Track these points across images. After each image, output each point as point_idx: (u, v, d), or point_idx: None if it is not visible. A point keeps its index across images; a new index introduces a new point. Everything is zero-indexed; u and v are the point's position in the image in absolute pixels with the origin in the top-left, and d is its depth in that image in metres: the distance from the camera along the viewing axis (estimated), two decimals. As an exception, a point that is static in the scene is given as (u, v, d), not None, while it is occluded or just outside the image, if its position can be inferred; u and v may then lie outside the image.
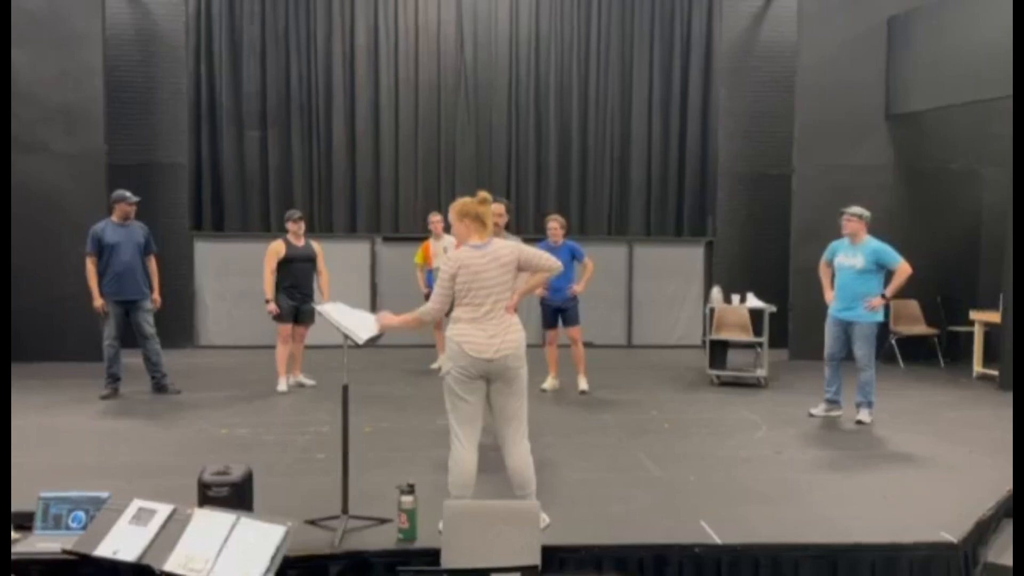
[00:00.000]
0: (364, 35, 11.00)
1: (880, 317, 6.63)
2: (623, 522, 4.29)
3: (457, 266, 4.05)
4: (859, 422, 6.58)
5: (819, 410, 6.90)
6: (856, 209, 6.67)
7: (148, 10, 10.25)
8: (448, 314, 4.23)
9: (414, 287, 9.01)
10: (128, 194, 7.49)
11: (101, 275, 7.34)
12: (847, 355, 6.75)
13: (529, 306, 10.10)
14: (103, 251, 7.32)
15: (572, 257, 7.69)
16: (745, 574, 3.97)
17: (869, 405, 6.64)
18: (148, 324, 7.48)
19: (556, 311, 7.75)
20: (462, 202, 4.18)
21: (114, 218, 7.46)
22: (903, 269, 6.51)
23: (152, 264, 7.61)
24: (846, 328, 6.67)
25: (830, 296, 6.81)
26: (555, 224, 7.76)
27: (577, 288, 7.69)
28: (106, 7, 9.46)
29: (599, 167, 11.41)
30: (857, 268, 6.56)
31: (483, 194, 4.19)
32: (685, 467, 5.37)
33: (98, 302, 7.34)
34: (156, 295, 7.62)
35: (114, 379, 7.43)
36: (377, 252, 10.88)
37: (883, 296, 6.55)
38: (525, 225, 11.20)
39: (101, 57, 9.32)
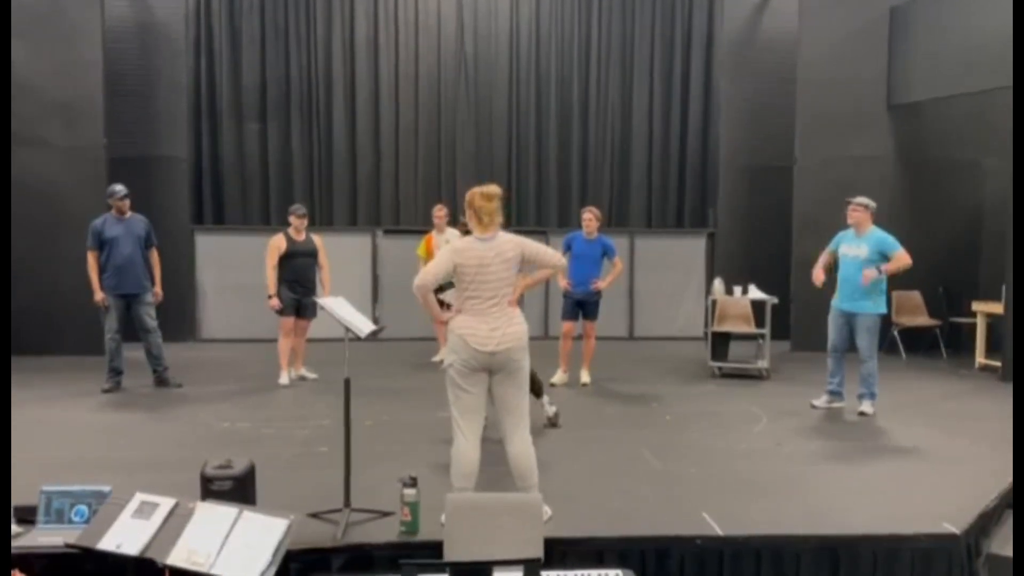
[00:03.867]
0: (364, 27, 10.98)
1: (883, 309, 6.62)
2: (625, 514, 4.29)
3: (457, 258, 4.06)
4: (861, 413, 6.58)
5: (821, 402, 6.90)
6: (862, 199, 6.66)
7: (147, 3, 10.21)
8: (451, 306, 4.24)
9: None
10: (116, 188, 7.46)
11: (102, 269, 7.34)
12: (850, 347, 6.74)
13: (532, 298, 10.11)
14: (103, 245, 7.32)
15: (603, 253, 7.65)
16: (747, 566, 3.97)
17: (871, 396, 6.63)
18: (149, 317, 7.48)
19: (577, 304, 7.70)
20: (470, 192, 4.19)
21: (113, 213, 7.46)
22: (902, 255, 6.50)
23: (153, 257, 7.60)
24: (849, 320, 6.66)
25: (819, 275, 6.79)
26: (590, 216, 7.68)
27: (601, 284, 7.66)
28: (105, 1, 9.42)
29: (600, 159, 11.40)
30: (861, 258, 6.55)
31: (490, 189, 4.16)
32: (687, 459, 5.37)
33: (98, 296, 7.34)
34: (158, 288, 7.62)
35: (116, 372, 7.44)
36: (378, 245, 10.87)
37: (878, 270, 6.50)
38: (525, 218, 11.21)
39: (100, 51, 9.30)
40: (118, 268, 7.32)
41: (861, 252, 6.57)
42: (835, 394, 6.89)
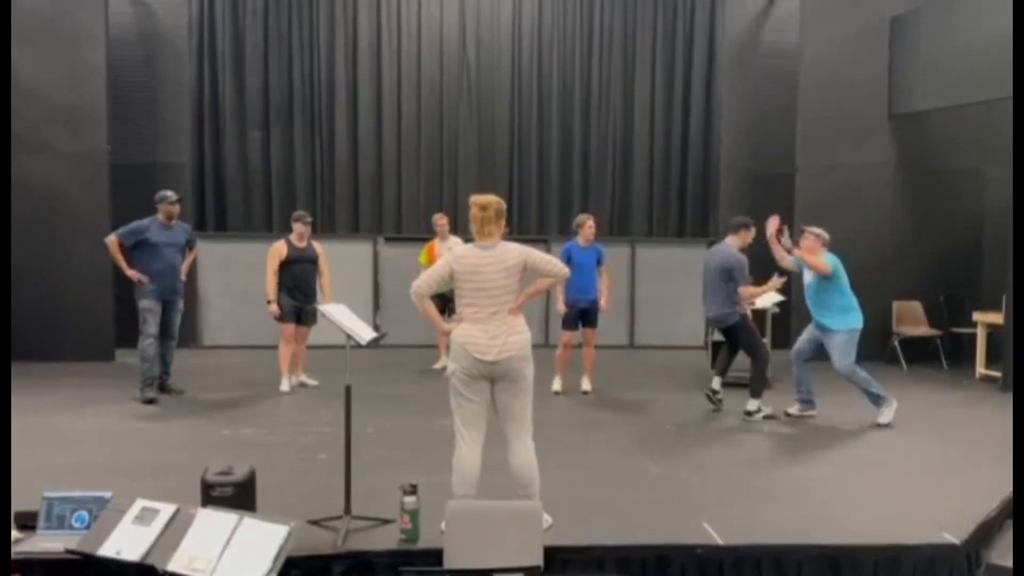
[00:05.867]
0: (367, 34, 11.02)
1: (850, 324, 6.60)
2: (625, 523, 4.29)
3: (454, 264, 4.10)
4: (878, 424, 6.56)
5: (794, 410, 6.92)
6: (814, 229, 6.80)
7: (151, 9, 10.25)
8: (453, 314, 4.26)
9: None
10: (169, 193, 7.41)
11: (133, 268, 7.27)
12: (816, 356, 6.82)
13: (533, 306, 10.11)
14: (140, 246, 7.24)
15: (598, 260, 7.70)
16: (747, 575, 3.97)
17: (877, 400, 6.60)
18: (177, 324, 7.51)
19: (581, 313, 7.71)
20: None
21: (160, 218, 7.36)
22: (816, 258, 6.64)
23: (190, 256, 7.66)
24: (822, 334, 6.71)
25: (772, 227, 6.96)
26: (592, 223, 7.77)
27: (603, 303, 7.75)
28: (109, 7, 9.45)
29: (601, 167, 11.42)
30: (809, 281, 6.75)
31: (484, 199, 4.19)
32: (687, 467, 5.37)
33: (131, 272, 7.21)
34: (186, 266, 7.61)
35: (154, 380, 7.31)
36: (379, 252, 10.88)
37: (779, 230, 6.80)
38: (527, 226, 11.22)
39: (104, 57, 9.33)
40: (160, 275, 7.28)
41: (809, 277, 6.76)
42: (807, 402, 6.91)
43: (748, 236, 7.01)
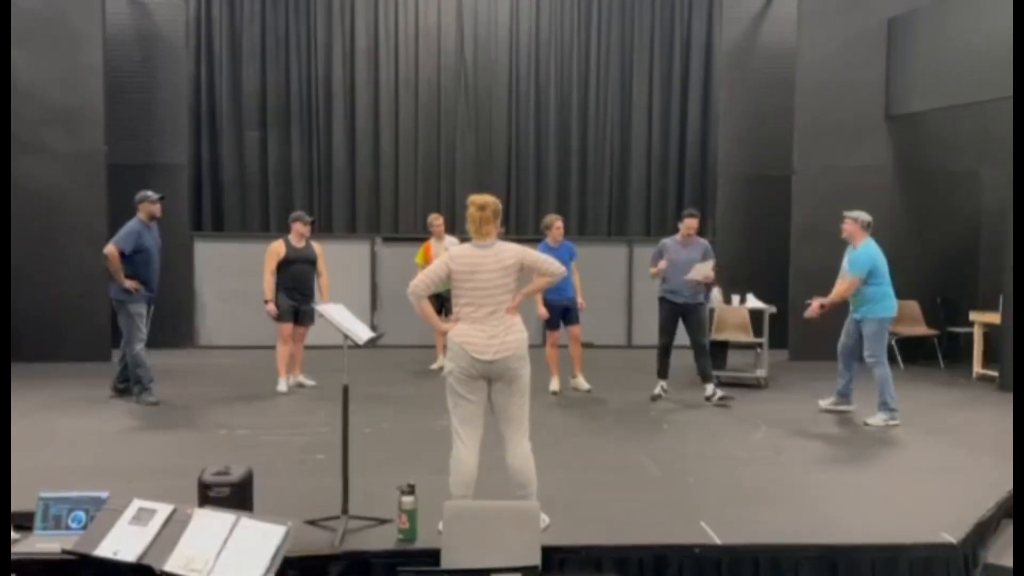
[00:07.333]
0: (364, 36, 11.02)
1: (884, 313, 6.64)
2: (623, 522, 4.29)
3: (451, 264, 4.09)
4: (866, 424, 6.56)
5: (827, 403, 6.96)
6: (853, 212, 6.79)
7: (148, 11, 10.25)
8: (449, 314, 4.25)
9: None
10: (151, 193, 7.25)
11: (130, 277, 7.08)
12: (859, 354, 6.81)
13: (530, 306, 10.09)
14: (136, 252, 7.07)
15: (570, 257, 7.75)
16: (745, 575, 3.97)
17: (882, 407, 6.60)
18: (149, 324, 7.46)
19: (562, 311, 7.74)
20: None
21: (142, 217, 7.20)
22: (843, 285, 6.68)
23: None
24: (858, 325, 6.75)
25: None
26: (560, 223, 7.81)
27: (581, 301, 7.83)
28: (106, 8, 9.47)
29: (599, 168, 11.43)
30: (846, 266, 6.72)
31: (482, 199, 4.19)
32: (685, 467, 5.37)
33: (130, 283, 7.01)
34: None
35: (151, 381, 7.18)
36: (376, 253, 10.88)
37: (821, 305, 6.77)
38: (525, 226, 11.22)
39: (101, 58, 9.33)
40: (151, 279, 7.18)
41: (845, 264, 6.78)
42: (842, 396, 6.95)
43: (681, 225, 7.50)
